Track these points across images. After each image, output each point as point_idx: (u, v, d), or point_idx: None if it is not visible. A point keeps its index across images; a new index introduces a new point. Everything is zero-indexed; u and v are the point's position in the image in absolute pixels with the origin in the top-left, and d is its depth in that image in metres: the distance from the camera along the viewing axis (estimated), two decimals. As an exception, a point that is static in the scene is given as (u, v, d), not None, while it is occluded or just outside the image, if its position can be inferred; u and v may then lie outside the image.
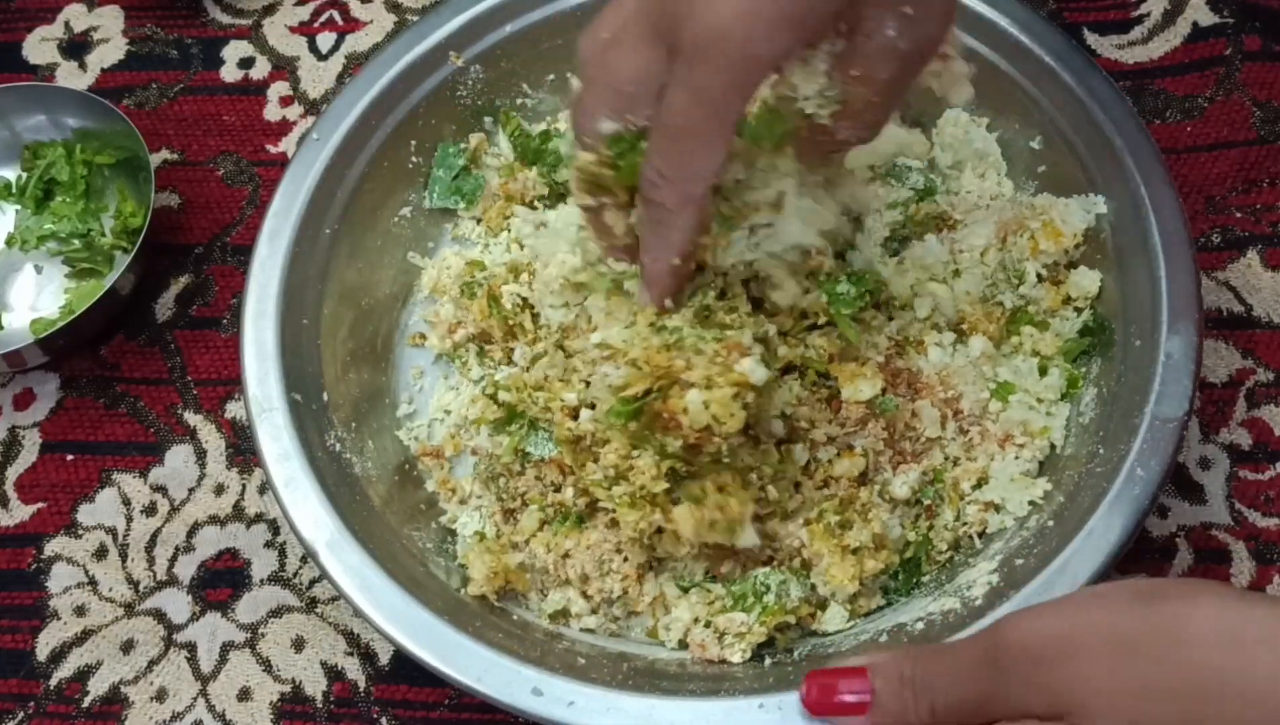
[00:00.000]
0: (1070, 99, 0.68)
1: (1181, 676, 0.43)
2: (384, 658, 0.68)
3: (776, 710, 0.54)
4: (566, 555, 0.63)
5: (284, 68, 0.88)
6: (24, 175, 0.82)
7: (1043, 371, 0.66)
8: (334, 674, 0.68)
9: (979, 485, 0.64)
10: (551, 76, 0.78)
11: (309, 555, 0.61)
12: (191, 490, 0.74)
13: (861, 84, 0.52)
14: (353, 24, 0.89)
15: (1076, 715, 0.44)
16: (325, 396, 0.67)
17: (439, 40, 0.74)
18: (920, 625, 0.59)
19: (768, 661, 0.60)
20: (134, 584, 0.72)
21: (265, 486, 0.74)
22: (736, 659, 0.60)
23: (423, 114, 0.74)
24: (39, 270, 0.81)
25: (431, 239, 0.77)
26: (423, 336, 0.74)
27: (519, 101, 0.78)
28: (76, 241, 0.81)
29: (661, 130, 0.52)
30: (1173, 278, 0.62)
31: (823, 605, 0.62)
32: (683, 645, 0.62)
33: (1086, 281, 0.67)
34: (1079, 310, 0.68)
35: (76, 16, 0.92)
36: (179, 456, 0.75)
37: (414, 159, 0.75)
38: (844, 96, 0.52)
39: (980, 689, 0.47)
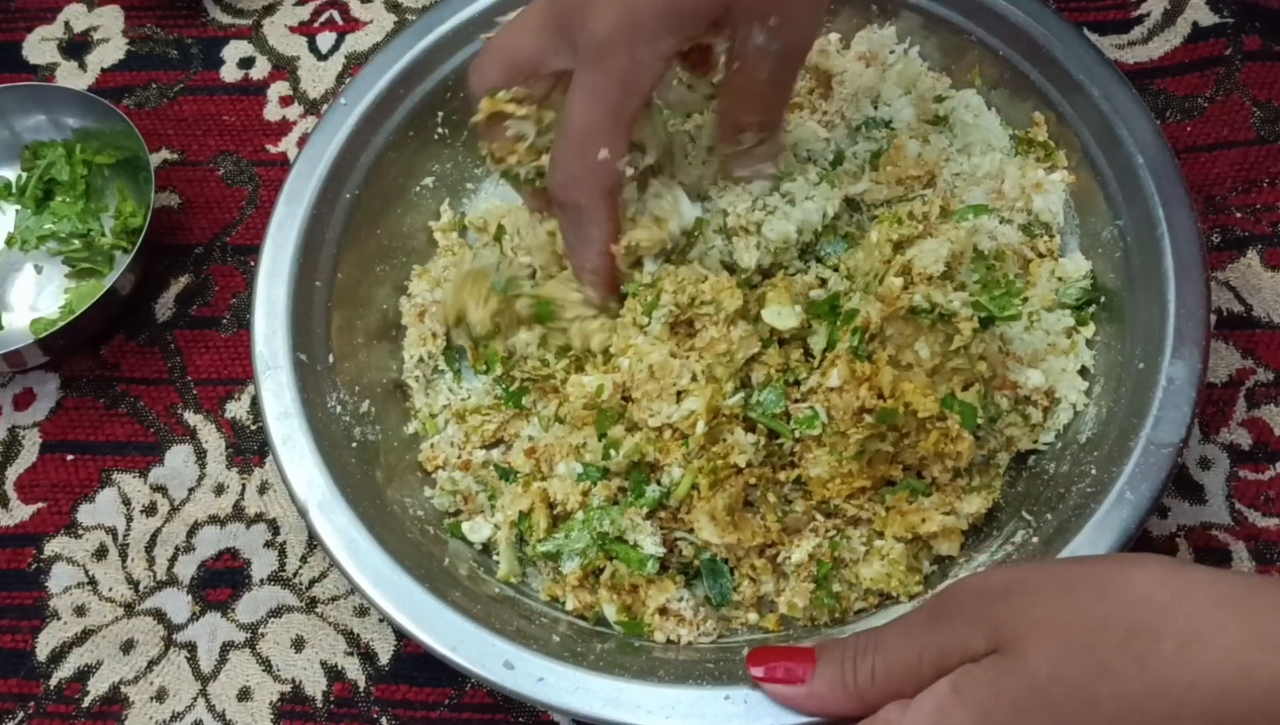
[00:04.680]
0: (1096, 114, 0.67)
1: (1119, 612, 0.44)
2: (384, 658, 0.68)
3: (742, 703, 0.55)
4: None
5: (284, 68, 0.88)
6: (24, 175, 0.82)
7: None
8: (334, 674, 0.68)
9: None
10: None
11: (300, 513, 0.62)
12: (191, 490, 0.74)
13: (745, 78, 0.58)
14: (353, 24, 0.89)
15: (1012, 646, 0.45)
16: (331, 359, 0.68)
17: (473, 14, 0.74)
18: None
19: (745, 653, 0.60)
20: (134, 584, 0.72)
21: (265, 486, 0.74)
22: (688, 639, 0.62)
23: (452, 86, 0.75)
24: (39, 270, 0.81)
25: (454, 207, 0.77)
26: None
27: None
28: (76, 241, 0.81)
29: (565, 133, 0.58)
30: (1182, 301, 0.61)
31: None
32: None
33: (1074, 267, 0.68)
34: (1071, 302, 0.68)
35: (76, 16, 0.92)
36: (179, 456, 0.75)
37: (440, 130, 0.75)
38: (734, 88, 0.60)
39: (921, 643, 0.48)
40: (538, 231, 0.67)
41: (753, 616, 0.63)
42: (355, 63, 0.87)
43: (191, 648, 0.70)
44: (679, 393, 0.61)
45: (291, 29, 0.89)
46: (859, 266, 0.63)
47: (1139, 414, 0.60)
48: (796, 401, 0.62)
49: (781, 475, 0.63)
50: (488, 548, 0.67)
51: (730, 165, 0.64)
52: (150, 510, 0.74)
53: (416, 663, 0.68)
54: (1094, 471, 0.60)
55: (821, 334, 0.62)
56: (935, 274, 0.60)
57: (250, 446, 0.75)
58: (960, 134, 0.73)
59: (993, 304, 0.63)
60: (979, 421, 0.62)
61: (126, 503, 0.74)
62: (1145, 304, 0.63)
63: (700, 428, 0.60)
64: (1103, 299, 0.68)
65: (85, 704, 0.69)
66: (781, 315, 0.62)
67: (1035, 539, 0.60)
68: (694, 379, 0.61)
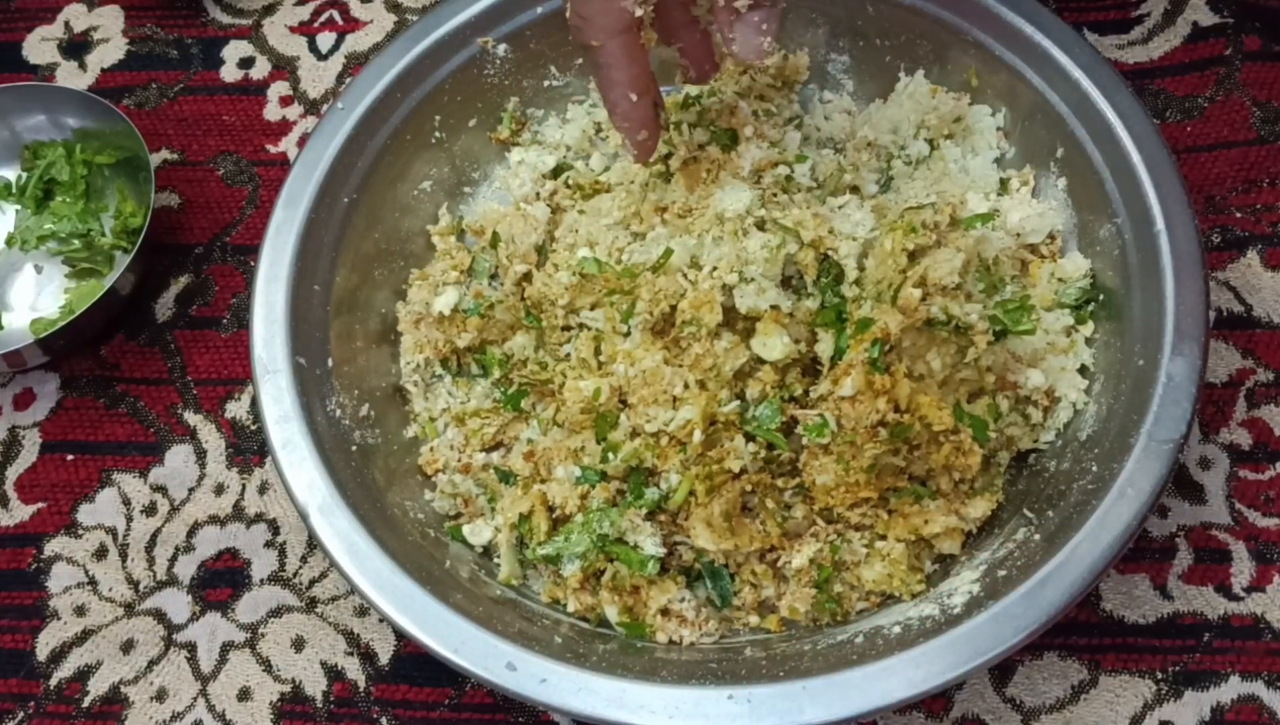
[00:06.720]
0: (1094, 113, 0.67)
1: None
2: (384, 658, 0.68)
3: (745, 702, 0.55)
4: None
5: (284, 68, 0.88)
6: (24, 175, 0.82)
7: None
8: (334, 674, 0.68)
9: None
10: (580, 60, 0.77)
11: (300, 517, 0.62)
12: (191, 490, 0.74)
13: None
14: (353, 24, 0.89)
15: None
16: (330, 362, 0.68)
17: (469, 18, 0.74)
18: (897, 629, 0.59)
19: (747, 653, 0.60)
20: (134, 584, 0.72)
21: (265, 486, 0.74)
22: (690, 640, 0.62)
23: (448, 90, 0.75)
24: (39, 270, 0.81)
25: (452, 211, 0.78)
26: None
27: (545, 84, 0.78)
28: (76, 241, 0.81)
29: None
30: (1181, 299, 0.61)
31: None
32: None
33: (1073, 266, 0.68)
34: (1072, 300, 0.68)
35: (76, 16, 0.92)
36: (179, 456, 0.75)
37: (437, 134, 0.76)
38: None
39: None
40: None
41: (754, 619, 0.63)
42: (355, 63, 0.87)
43: (191, 648, 0.70)
44: (675, 398, 0.61)
45: (291, 29, 0.89)
46: (870, 274, 0.63)
47: (1139, 411, 0.60)
48: (804, 407, 0.61)
49: (781, 482, 0.63)
50: (488, 550, 0.67)
51: (727, 36, 0.59)
52: (150, 510, 0.74)
53: (416, 663, 0.68)
54: (1095, 468, 0.60)
55: (828, 341, 0.62)
56: (950, 285, 0.60)
57: (250, 446, 0.75)
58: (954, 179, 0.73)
59: (1007, 317, 0.63)
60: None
61: (126, 503, 0.74)
62: (1144, 301, 0.63)
63: (697, 436, 0.60)
64: (1101, 297, 0.68)
65: (85, 704, 0.69)
66: (768, 346, 0.62)
67: (1037, 536, 0.60)
68: (687, 388, 0.62)
